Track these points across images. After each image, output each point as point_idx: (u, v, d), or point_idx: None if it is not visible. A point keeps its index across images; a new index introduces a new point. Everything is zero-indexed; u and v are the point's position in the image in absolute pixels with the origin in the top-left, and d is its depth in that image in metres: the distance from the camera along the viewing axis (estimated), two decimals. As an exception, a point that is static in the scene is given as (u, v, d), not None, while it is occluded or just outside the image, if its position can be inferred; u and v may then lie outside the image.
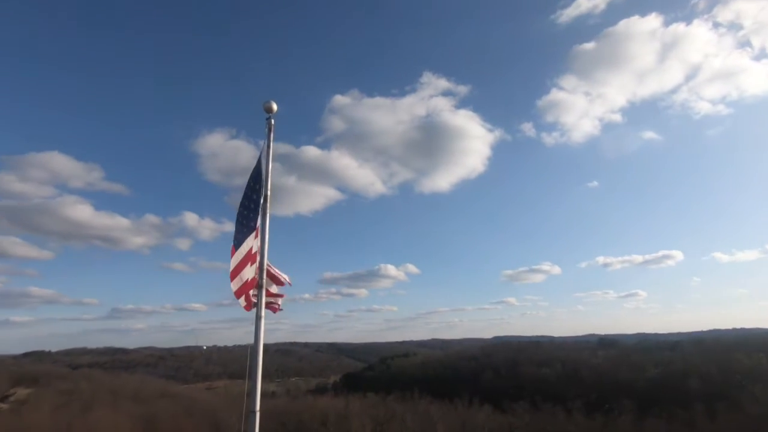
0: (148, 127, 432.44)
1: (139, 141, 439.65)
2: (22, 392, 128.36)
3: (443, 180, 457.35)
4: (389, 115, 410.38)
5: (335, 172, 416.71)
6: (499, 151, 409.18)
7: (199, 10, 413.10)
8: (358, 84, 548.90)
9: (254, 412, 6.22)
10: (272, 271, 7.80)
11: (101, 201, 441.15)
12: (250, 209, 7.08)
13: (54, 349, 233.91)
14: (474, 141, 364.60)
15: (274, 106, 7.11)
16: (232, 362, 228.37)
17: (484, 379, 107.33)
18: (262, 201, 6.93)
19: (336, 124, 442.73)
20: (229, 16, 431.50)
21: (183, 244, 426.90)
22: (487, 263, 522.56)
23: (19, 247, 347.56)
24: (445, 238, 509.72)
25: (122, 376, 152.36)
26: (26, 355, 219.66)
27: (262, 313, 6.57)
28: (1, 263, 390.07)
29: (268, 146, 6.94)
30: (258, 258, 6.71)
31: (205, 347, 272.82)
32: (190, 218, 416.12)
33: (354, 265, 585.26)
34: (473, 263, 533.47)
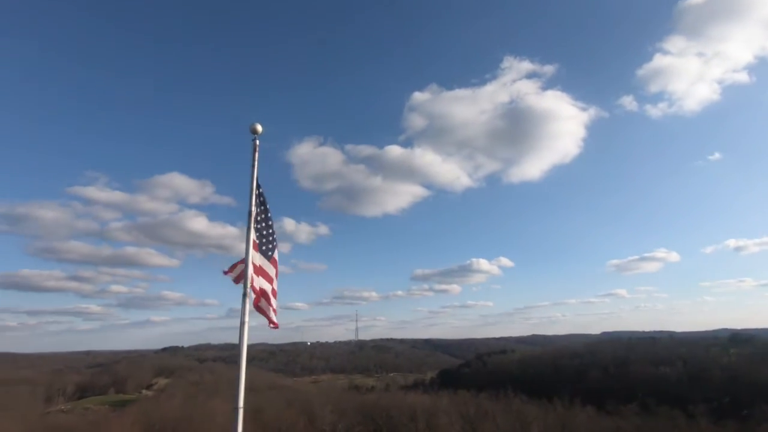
0: (247, 143, 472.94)
1: (240, 156, 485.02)
2: (162, 381, 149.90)
3: (533, 168, 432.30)
4: (470, 106, 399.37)
5: (419, 169, 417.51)
6: (595, 130, 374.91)
7: (277, 25, 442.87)
8: (436, 78, 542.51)
9: (237, 408, 6.63)
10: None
11: (214, 213, 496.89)
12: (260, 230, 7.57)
13: (185, 345, 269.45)
14: (565, 122, 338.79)
15: (259, 128, 7.54)
16: (333, 357, 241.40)
17: (589, 377, 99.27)
18: (248, 215, 7.28)
19: (417, 121, 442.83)
20: (305, 28, 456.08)
21: (284, 247, 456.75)
22: (590, 253, 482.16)
23: (153, 257, 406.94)
24: (539, 229, 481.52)
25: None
26: (164, 350, 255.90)
27: (246, 319, 6.92)
28: (141, 271, 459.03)
29: (253, 165, 7.33)
30: (244, 268, 7.04)
31: (309, 343, 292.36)
32: (289, 224, 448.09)
33: (445, 261, 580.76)
34: (574, 254, 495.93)
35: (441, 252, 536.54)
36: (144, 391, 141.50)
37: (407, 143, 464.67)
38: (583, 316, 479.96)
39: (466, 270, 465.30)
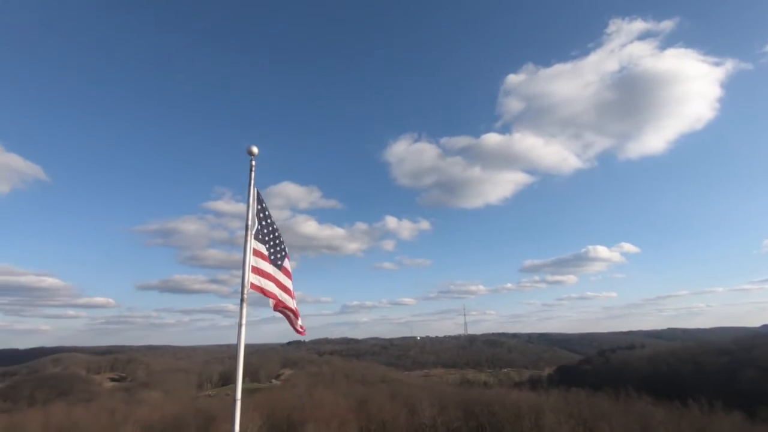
0: (348, 147, 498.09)
1: (342, 161, 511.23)
2: (287, 372, 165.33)
3: (655, 140, 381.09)
4: (572, 81, 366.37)
5: (521, 154, 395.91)
6: (734, 87, 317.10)
7: (360, 28, 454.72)
8: (531, 57, 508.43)
9: (236, 401, 7.10)
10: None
11: (322, 216, 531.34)
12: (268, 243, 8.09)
13: (306, 339, 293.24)
14: (693, 83, 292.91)
15: (255, 150, 8.01)
16: (443, 352, 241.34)
17: (741, 378, 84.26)
18: (245, 228, 7.75)
19: (513, 105, 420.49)
20: (387, 27, 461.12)
21: (388, 245, 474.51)
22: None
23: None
24: (669, 209, 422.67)
25: (354, 362, 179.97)
26: (289, 343, 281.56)
27: (243, 321, 7.37)
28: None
29: (249, 184, 7.81)
30: (242, 276, 7.50)
31: (418, 338, 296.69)
32: (391, 221, 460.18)
33: (557, 251, 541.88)
34: (718, 234, 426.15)
35: (552, 241, 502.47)
36: (273, 381, 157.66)
37: (505, 129, 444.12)
38: (734, 306, 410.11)
39: (581, 259, 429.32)
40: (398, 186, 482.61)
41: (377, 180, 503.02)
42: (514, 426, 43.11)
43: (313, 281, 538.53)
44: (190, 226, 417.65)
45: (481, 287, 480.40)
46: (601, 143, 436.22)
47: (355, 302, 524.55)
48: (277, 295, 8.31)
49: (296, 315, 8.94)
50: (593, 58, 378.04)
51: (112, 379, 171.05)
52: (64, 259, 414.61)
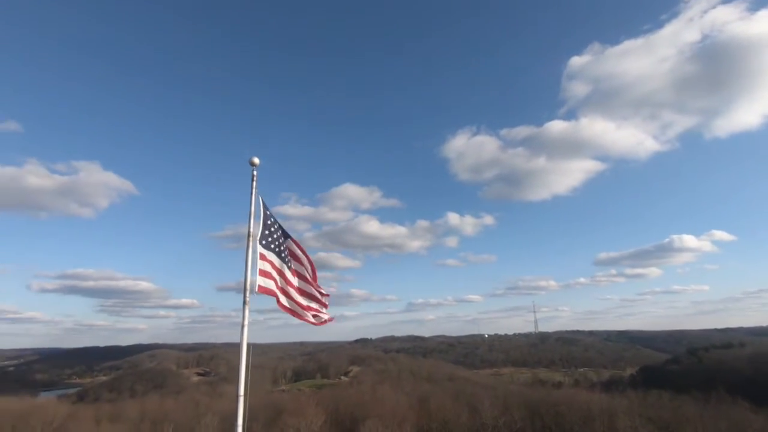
0: (406, 145, 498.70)
1: (401, 159, 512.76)
2: (355, 369, 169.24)
3: (748, 114, 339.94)
4: (645, 57, 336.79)
5: (589, 141, 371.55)
6: None
7: (417, 25, 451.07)
8: (596, 36, 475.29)
9: (239, 396, 7.35)
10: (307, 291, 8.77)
11: (384, 215, 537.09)
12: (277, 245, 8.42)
13: (373, 337, 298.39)
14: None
15: (256, 160, 8.32)
16: (513, 350, 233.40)
17: None
18: (247, 235, 8.03)
19: (578, 89, 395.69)
20: (442, 20, 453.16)
21: (451, 242, 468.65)
22: None
23: (339, 260, 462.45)
24: (766, 190, 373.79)
25: (420, 360, 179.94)
26: (356, 341, 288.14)
27: (245, 323, 7.66)
28: (332, 273, 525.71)
29: (251, 193, 8.12)
30: (244, 282, 7.78)
31: (486, 335, 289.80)
32: (453, 218, 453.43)
33: (635, 242, 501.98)
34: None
35: (629, 232, 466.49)
36: (342, 377, 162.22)
37: (570, 115, 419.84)
38: None
39: (665, 250, 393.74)
40: (459, 181, 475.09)
41: (437, 176, 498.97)
42: (584, 429, 40.49)
43: (377, 280, 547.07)
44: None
45: (552, 283, 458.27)
46: (682, 122, 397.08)
47: (420, 300, 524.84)
48: (286, 295, 8.57)
49: (307, 309, 9.15)
50: (668, 29, 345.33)
51: (198, 374, 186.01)
52: (155, 264, 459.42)
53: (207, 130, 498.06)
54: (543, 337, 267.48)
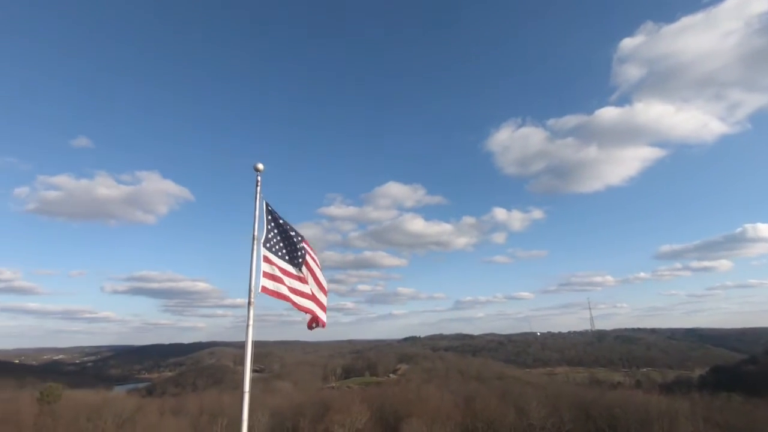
0: (449, 141, 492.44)
1: (444, 155, 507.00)
2: (403, 367, 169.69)
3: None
4: (706, 34, 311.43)
5: (645, 126, 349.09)
6: None
7: (455, 16, 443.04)
8: (649, 14, 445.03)
9: (244, 393, 7.56)
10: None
11: (428, 213, 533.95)
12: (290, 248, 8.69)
13: (421, 335, 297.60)
14: None
15: (261, 166, 8.56)
16: (568, 348, 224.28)
17: None
18: (252, 238, 8.27)
19: (631, 72, 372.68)
20: (478, 9, 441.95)
21: (499, 237, 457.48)
22: None
23: (385, 258, 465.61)
24: None
25: (468, 358, 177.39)
26: (405, 339, 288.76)
27: (250, 323, 7.88)
28: (378, 271, 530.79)
29: (256, 197, 8.38)
30: (249, 282, 8.02)
31: (538, 333, 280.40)
32: (500, 213, 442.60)
33: (701, 232, 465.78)
34: None
35: (694, 222, 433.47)
36: (391, 375, 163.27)
37: (623, 100, 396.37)
38: None
39: (736, 240, 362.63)
40: (505, 176, 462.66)
41: (481, 172, 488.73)
42: (641, 433, 38.16)
43: (424, 278, 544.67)
44: (307, 231, 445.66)
45: (609, 278, 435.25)
46: (753, 101, 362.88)
47: (468, 298, 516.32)
48: (291, 297, 8.82)
49: (322, 307, 9.36)
50: (732, 1, 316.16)
51: (255, 371, 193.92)
52: (212, 266, 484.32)
53: (248, 136, 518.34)
54: (600, 335, 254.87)
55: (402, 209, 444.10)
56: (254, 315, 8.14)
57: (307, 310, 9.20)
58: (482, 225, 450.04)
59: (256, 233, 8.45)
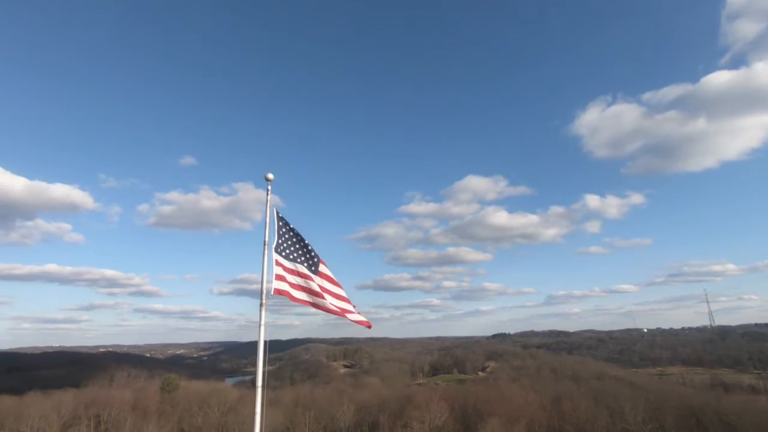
0: (530, 128, 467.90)
1: (526, 144, 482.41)
2: (492, 365, 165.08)
3: None
4: None
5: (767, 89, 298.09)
6: None
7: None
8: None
9: (257, 387, 7.98)
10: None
11: (512, 204, 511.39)
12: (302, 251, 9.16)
13: (512, 332, 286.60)
14: None
15: (271, 176, 9.06)
16: (682, 346, 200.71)
17: None
18: (263, 243, 8.74)
19: (746, 29, 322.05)
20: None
21: (592, 227, 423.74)
22: None
23: (469, 254, 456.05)
24: None
25: (563, 356, 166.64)
26: (494, 336, 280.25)
27: (262, 322, 8.30)
28: (463, 267, 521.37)
29: (266, 205, 8.90)
30: (261, 284, 8.47)
31: (645, 329, 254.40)
32: (592, 200, 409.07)
33: None
34: None
35: None
36: (479, 373, 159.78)
37: (737, 62, 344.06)
38: None
39: None
40: (595, 159, 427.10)
41: (568, 157, 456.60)
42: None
43: (512, 272, 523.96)
44: (389, 230, 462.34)
45: (730, 266, 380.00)
46: None
47: (561, 292, 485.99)
48: (307, 299, 9.23)
49: (343, 312, 9.64)
50: None
51: (346, 366, 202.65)
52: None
53: (326, 140, 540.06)
54: (723, 332, 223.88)
55: (483, 203, 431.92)
56: (264, 315, 8.65)
57: (329, 310, 9.56)
58: (572, 214, 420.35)
59: (267, 239, 8.97)
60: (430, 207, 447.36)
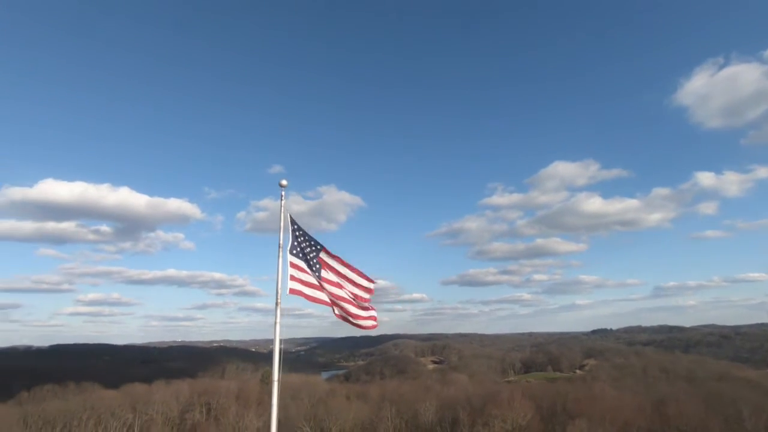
0: (621, 104, 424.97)
1: (619, 122, 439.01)
2: (591, 363, 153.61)
3: None
4: None
5: None
6: None
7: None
8: None
9: (273, 381, 8.39)
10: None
11: (606, 189, 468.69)
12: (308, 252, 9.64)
13: (614, 327, 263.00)
14: None
15: (285, 182, 9.68)
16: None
17: None
18: (278, 246, 9.23)
19: None
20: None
21: (707, 208, 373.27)
22: None
23: (560, 245, 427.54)
24: None
25: (676, 354, 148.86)
26: (593, 332, 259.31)
27: (278, 320, 8.72)
28: (553, 259, 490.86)
29: (280, 210, 9.40)
30: (276, 285, 8.99)
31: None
32: (705, 178, 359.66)
33: None
34: None
35: None
36: (576, 371, 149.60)
37: None
38: None
39: None
40: (707, 131, 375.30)
41: (672, 132, 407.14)
42: None
43: (610, 263, 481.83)
44: (472, 224, 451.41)
45: None
46: None
47: (671, 283, 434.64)
48: (325, 299, 9.61)
49: (356, 316, 9.92)
50: None
51: (434, 362, 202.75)
52: (388, 264, 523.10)
53: (401, 137, 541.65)
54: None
55: (573, 189, 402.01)
56: (280, 313, 9.13)
57: (344, 313, 9.93)
58: (681, 195, 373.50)
59: (281, 242, 9.47)
60: (514, 198, 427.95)
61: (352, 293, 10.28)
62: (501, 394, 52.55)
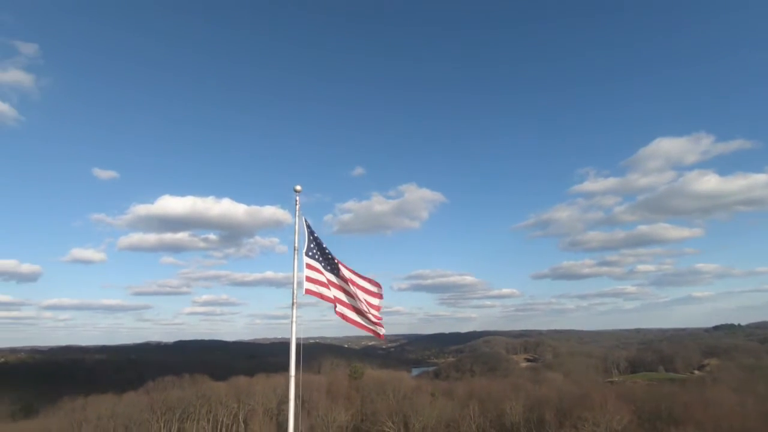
0: (741, 65, 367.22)
1: (736, 86, 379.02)
2: (712, 363, 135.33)
3: None
4: None
5: None
6: None
7: None
8: None
9: (290, 377, 8.80)
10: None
11: (723, 165, 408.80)
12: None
13: (743, 323, 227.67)
14: None
15: (299, 188, 10.08)
16: None
17: None
18: (293, 249, 9.68)
19: None
20: None
21: None
22: None
23: (668, 230, 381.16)
24: None
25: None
26: (716, 328, 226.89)
27: (294, 319, 9.16)
28: (661, 248, 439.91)
29: (296, 215, 9.99)
30: (292, 286, 9.42)
31: None
32: None
33: None
34: None
35: None
36: (695, 372, 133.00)
37: None
38: None
39: None
40: None
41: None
42: None
43: (736, 249, 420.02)
44: (562, 213, 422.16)
45: None
46: None
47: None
48: (342, 298, 9.93)
49: (368, 318, 10.10)
50: None
51: (527, 360, 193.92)
52: (474, 259, 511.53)
53: (477, 131, 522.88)
54: None
55: (680, 168, 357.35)
56: (296, 312, 9.60)
57: (351, 321, 10.17)
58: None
59: (296, 245, 9.95)
60: (609, 182, 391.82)
61: (365, 300, 10.50)
62: (593, 394, 48.65)
